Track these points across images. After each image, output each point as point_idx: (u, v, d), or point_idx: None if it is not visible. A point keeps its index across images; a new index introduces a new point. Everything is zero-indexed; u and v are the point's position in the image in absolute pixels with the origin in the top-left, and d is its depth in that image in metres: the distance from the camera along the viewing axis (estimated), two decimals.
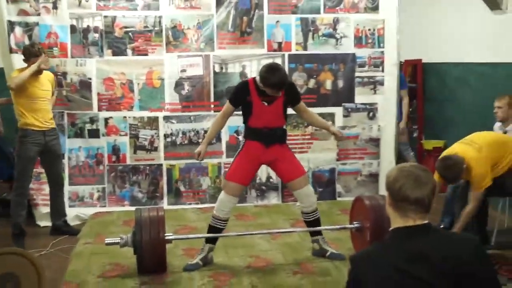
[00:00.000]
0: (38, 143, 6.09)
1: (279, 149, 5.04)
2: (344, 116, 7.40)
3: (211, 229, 5.09)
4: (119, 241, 4.81)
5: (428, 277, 2.28)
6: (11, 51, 6.69)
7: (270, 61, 7.08)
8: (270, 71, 4.78)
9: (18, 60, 6.60)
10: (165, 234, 4.81)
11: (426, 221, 2.42)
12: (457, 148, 5.35)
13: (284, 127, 5.19)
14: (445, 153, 5.36)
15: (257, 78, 4.90)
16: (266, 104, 4.93)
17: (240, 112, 7.00)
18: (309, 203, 5.11)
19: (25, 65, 6.03)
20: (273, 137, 4.98)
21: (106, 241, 4.90)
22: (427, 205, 2.39)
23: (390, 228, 2.49)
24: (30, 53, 5.97)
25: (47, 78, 6.21)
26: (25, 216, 6.23)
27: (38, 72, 6.02)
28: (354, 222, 5.29)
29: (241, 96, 5.00)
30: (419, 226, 2.40)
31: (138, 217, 4.85)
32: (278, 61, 7.16)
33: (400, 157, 7.68)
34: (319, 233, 5.28)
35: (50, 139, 6.20)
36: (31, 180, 6.39)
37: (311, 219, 5.17)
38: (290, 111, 5.18)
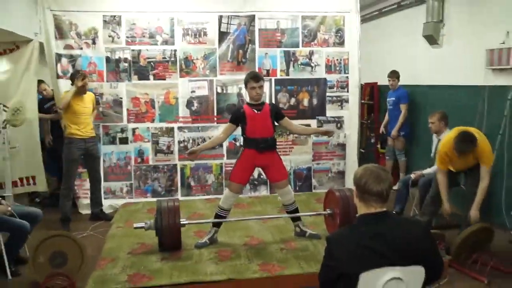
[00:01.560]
0: (80, 148, 6.10)
1: (271, 156, 4.97)
2: (318, 126, 7.35)
3: (217, 216, 5.04)
4: (144, 225, 4.75)
5: (386, 252, 2.33)
6: (57, 77, 6.66)
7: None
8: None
9: (63, 84, 6.62)
10: (180, 220, 4.77)
11: (384, 209, 2.48)
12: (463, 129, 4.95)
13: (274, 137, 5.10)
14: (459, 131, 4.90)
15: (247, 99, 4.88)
16: (256, 111, 4.88)
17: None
18: (287, 198, 5.07)
19: (71, 87, 6.10)
20: (265, 145, 4.91)
21: (134, 226, 4.83)
22: (386, 197, 2.46)
23: (357, 215, 2.54)
24: (74, 78, 6.01)
25: (89, 98, 6.26)
26: (71, 206, 6.21)
27: (82, 92, 6.04)
28: (327, 209, 5.26)
29: (237, 113, 4.94)
30: (379, 213, 2.46)
31: (159, 207, 4.80)
32: (267, 84, 7.11)
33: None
34: (298, 219, 5.26)
35: (90, 145, 6.21)
36: (75, 178, 6.38)
37: (291, 209, 5.15)
38: None
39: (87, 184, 6.62)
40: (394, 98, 7.74)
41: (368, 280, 2.31)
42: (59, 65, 6.65)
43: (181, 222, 4.77)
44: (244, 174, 5.01)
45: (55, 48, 6.62)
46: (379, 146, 8.63)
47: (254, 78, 4.84)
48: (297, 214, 5.21)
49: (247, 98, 5.01)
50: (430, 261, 2.43)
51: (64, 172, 6.18)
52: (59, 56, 6.65)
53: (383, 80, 8.81)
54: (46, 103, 7.20)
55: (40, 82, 6.99)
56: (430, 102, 7.35)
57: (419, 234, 2.44)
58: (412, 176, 6.09)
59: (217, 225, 5.09)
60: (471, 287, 4.43)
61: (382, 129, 8.21)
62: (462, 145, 4.77)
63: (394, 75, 7.71)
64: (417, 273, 2.38)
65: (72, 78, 6.05)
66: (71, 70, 6.60)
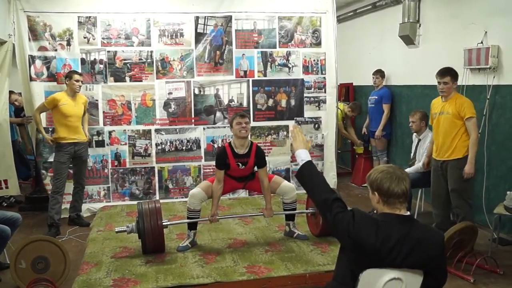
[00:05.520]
0: (69, 152, 6.04)
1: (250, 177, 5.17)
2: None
3: (189, 219, 5.06)
4: (126, 229, 4.75)
5: (401, 255, 2.38)
6: (30, 79, 6.60)
7: (238, 85, 7.16)
8: None
9: (36, 87, 6.59)
10: (162, 221, 4.77)
11: (409, 213, 2.52)
12: None
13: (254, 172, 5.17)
14: None
15: (232, 143, 4.92)
16: (240, 166, 4.95)
17: (215, 125, 7.04)
18: (289, 195, 5.23)
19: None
20: (245, 179, 5.15)
21: (116, 229, 4.83)
22: (408, 194, 2.49)
23: (380, 212, 2.54)
24: (66, 76, 6.07)
25: (81, 100, 6.20)
26: (59, 210, 6.11)
27: (73, 94, 6.06)
28: (309, 208, 5.36)
29: (222, 160, 4.92)
30: (405, 216, 2.48)
31: (140, 209, 4.79)
32: (244, 85, 7.23)
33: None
34: (292, 219, 5.33)
35: (79, 149, 6.17)
36: (65, 181, 6.25)
37: (289, 208, 5.26)
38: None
39: (66, 189, 6.52)
40: (376, 97, 7.84)
41: (370, 278, 2.39)
42: (32, 67, 6.59)
43: (164, 224, 4.78)
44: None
45: (28, 50, 6.56)
46: (355, 147, 8.73)
47: (241, 116, 4.89)
48: (283, 212, 5.31)
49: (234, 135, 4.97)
50: (438, 272, 2.50)
51: (54, 175, 6.13)
52: (32, 58, 6.60)
53: (358, 80, 8.97)
54: (20, 112, 7.14)
55: (10, 92, 6.86)
56: (407, 102, 7.48)
57: (438, 244, 2.48)
58: None
59: (193, 227, 5.09)
60: (458, 287, 4.50)
61: (364, 129, 8.32)
62: (440, 70, 5.19)
63: (379, 73, 7.81)
64: (416, 277, 2.46)
65: (67, 77, 6.05)
66: (45, 72, 6.59)
